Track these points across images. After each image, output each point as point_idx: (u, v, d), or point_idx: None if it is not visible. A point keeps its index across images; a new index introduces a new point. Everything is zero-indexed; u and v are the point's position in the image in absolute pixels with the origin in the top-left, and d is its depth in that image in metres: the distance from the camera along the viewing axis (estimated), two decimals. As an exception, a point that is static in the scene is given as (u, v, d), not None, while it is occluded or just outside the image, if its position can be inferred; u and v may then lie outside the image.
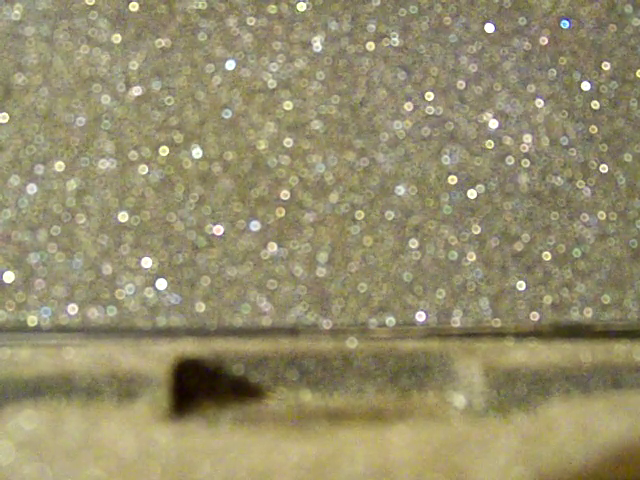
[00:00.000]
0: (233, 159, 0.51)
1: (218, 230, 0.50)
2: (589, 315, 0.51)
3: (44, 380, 0.43)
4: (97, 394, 0.43)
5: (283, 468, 0.37)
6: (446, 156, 0.52)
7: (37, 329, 0.49)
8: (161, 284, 0.50)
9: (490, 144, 0.52)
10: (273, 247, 0.50)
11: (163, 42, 0.52)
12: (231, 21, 0.52)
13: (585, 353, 0.46)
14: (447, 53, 0.53)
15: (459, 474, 0.37)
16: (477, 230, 0.51)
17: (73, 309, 0.49)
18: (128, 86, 0.51)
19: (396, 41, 0.53)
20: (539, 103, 0.53)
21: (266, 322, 0.50)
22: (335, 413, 0.45)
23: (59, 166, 0.50)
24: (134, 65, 0.52)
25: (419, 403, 0.46)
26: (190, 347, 0.46)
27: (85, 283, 0.49)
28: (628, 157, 0.53)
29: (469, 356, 0.46)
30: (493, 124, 0.53)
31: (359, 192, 0.51)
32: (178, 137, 0.51)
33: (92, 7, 0.52)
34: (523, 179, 0.52)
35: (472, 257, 0.51)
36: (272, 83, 0.52)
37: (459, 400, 0.46)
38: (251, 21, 0.52)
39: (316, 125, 0.52)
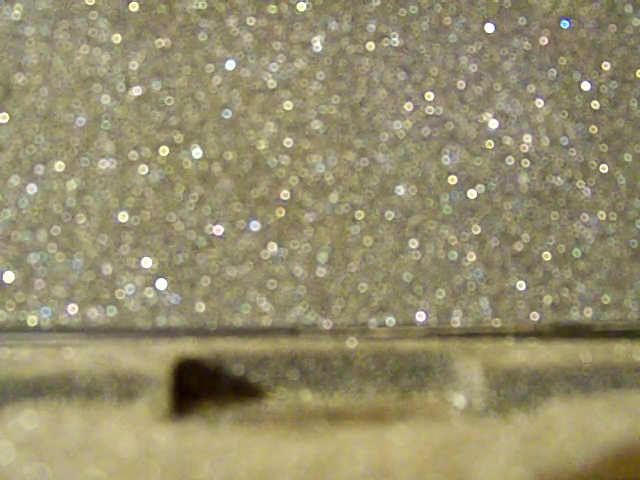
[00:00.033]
0: (233, 159, 0.51)
1: (218, 230, 0.50)
2: (589, 315, 0.51)
3: (44, 380, 0.43)
4: (97, 394, 0.43)
5: (283, 468, 0.37)
6: (446, 156, 0.52)
7: (37, 329, 0.49)
8: (161, 284, 0.50)
9: (490, 144, 0.52)
10: (273, 247, 0.50)
11: (163, 42, 0.52)
12: (231, 21, 0.52)
13: (585, 353, 0.46)
14: (447, 53, 0.53)
15: (459, 474, 0.37)
16: (477, 230, 0.51)
17: (73, 309, 0.49)
18: (128, 86, 0.51)
19: (396, 41, 0.53)
20: (539, 103, 0.53)
21: (266, 322, 0.50)
22: (335, 413, 0.45)
23: (59, 166, 0.50)
24: (134, 65, 0.52)
25: (419, 403, 0.46)
26: (190, 347, 0.46)
27: (85, 283, 0.49)
28: (628, 157, 0.53)
29: (469, 356, 0.46)
30: (493, 124, 0.53)
31: (359, 192, 0.51)
32: (178, 137, 0.51)
33: (92, 7, 0.52)
34: (523, 179, 0.52)
35: (472, 257, 0.51)
36: (272, 83, 0.52)
37: (459, 400, 0.46)
38: (251, 21, 0.52)
39: (316, 125, 0.52)
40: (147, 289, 0.49)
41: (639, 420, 0.40)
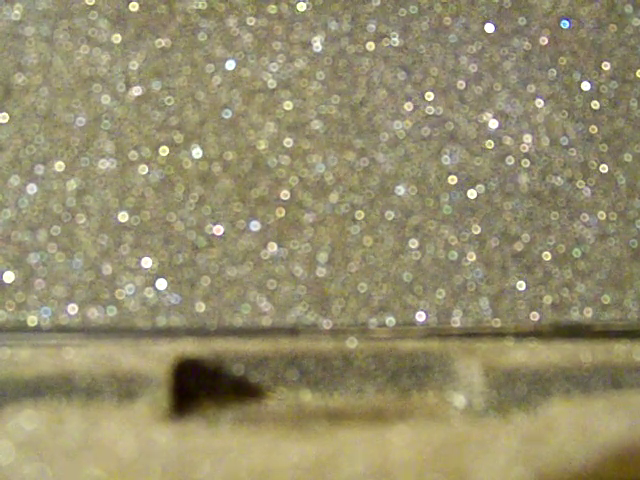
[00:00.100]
0: (233, 159, 0.51)
1: (218, 230, 0.50)
2: (589, 315, 0.51)
3: (44, 380, 0.43)
4: (97, 394, 0.43)
5: (283, 468, 0.37)
6: (446, 156, 0.52)
7: (37, 329, 0.49)
8: (161, 284, 0.50)
9: (490, 144, 0.52)
10: (273, 247, 0.50)
11: (163, 42, 0.52)
12: (231, 21, 0.52)
13: (585, 353, 0.46)
14: (447, 53, 0.53)
15: (459, 474, 0.37)
16: (477, 230, 0.51)
17: (73, 309, 0.49)
18: (128, 86, 0.51)
19: (396, 41, 0.53)
20: (539, 103, 0.53)
21: (266, 322, 0.50)
22: (335, 413, 0.45)
23: (59, 166, 0.50)
24: (134, 65, 0.52)
25: (419, 403, 0.46)
26: (190, 347, 0.46)
27: (85, 283, 0.49)
28: (628, 157, 0.53)
29: (469, 356, 0.46)
30: (493, 124, 0.53)
31: (359, 192, 0.51)
32: (178, 137, 0.51)
33: (92, 7, 0.52)
34: (523, 179, 0.52)
35: (472, 257, 0.51)
36: (272, 83, 0.52)
37: (459, 400, 0.46)
38: (251, 21, 0.52)
39: (316, 125, 0.52)
40: (147, 289, 0.49)
41: (639, 420, 0.40)
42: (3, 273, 0.49)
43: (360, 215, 0.51)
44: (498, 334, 0.49)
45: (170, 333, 0.49)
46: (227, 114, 0.52)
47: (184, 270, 0.50)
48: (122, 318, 0.49)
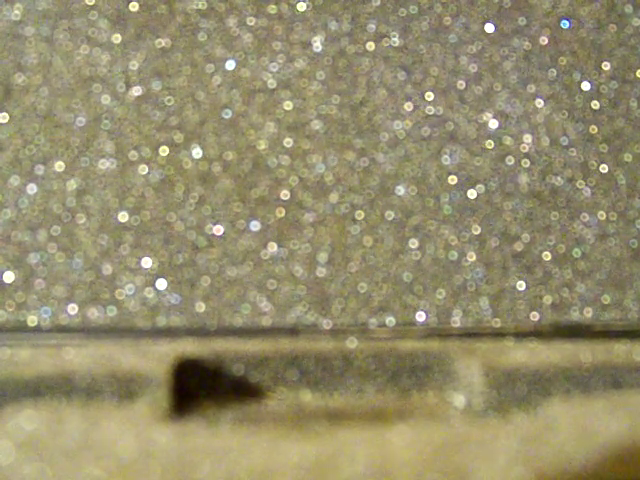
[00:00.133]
0: (233, 159, 0.51)
1: (218, 230, 0.50)
2: (589, 315, 0.51)
3: (44, 380, 0.43)
4: (97, 394, 0.43)
5: (283, 468, 0.37)
6: (446, 156, 0.52)
7: (37, 329, 0.49)
8: (161, 284, 0.50)
9: (490, 144, 0.52)
10: (273, 247, 0.50)
11: (163, 42, 0.52)
12: (231, 21, 0.52)
13: (585, 353, 0.46)
14: (447, 53, 0.53)
15: (459, 474, 0.37)
16: (477, 230, 0.51)
17: (73, 309, 0.49)
18: (128, 86, 0.51)
19: (396, 41, 0.53)
20: (539, 103, 0.53)
21: (266, 322, 0.50)
22: (335, 413, 0.45)
23: (59, 166, 0.50)
24: (134, 65, 0.52)
25: (419, 403, 0.46)
26: (190, 347, 0.46)
27: (85, 283, 0.49)
28: (628, 157, 0.53)
29: (469, 356, 0.46)
30: (493, 124, 0.53)
31: (359, 192, 0.51)
32: (178, 137, 0.51)
33: (92, 7, 0.52)
34: (523, 179, 0.52)
35: (472, 257, 0.51)
36: (272, 83, 0.52)
37: (459, 400, 0.46)
38: (251, 21, 0.52)
39: (316, 125, 0.52)
40: (147, 289, 0.49)
41: (639, 420, 0.40)
42: (3, 273, 0.49)
43: (360, 215, 0.51)
44: (498, 334, 0.49)
45: (170, 333, 0.49)
46: (227, 114, 0.52)
47: (184, 270, 0.50)
48: (122, 318, 0.49)
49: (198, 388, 0.46)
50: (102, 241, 0.50)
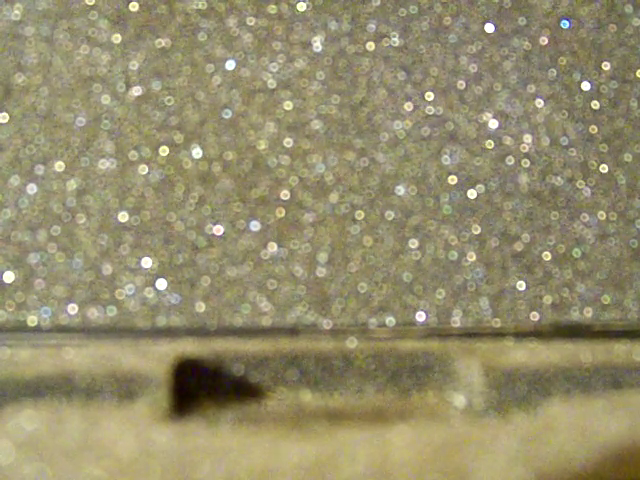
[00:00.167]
0: (233, 159, 0.51)
1: (218, 230, 0.50)
2: (589, 315, 0.51)
3: (44, 380, 0.43)
4: (97, 394, 0.43)
5: (283, 468, 0.37)
6: (446, 156, 0.52)
7: (37, 329, 0.49)
8: (161, 284, 0.50)
9: (490, 144, 0.52)
10: (273, 247, 0.50)
11: (163, 42, 0.52)
12: (231, 21, 0.52)
13: (585, 353, 0.46)
14: (447, 53, 0.53)
15: (459, 474, 0.37)
16: (477, 230, 0.51)
17: (73, 309, 0.49)
18: (128, 86, 0.51)
19: (396, 41, 0.53)
20: (539, 103, 0.53)
21: (266, 322, 0.50)
22: (335, 413, 0.45)
23: (59, 166, 0.50)
24: (134, 65, 0.52)
25: (419, 403, 0.46)
26: (190, 347, 0.46)
27: (85, 283, 0.49)
28: (628, 157, 0.53)
29: (469, 356, 0.46)
30: (493, 124, 0.53)
31: (359, 192, 0.51)
32: (178, 137, 0.51)
33: (92, 7, 0.52)
34: (523, 179, 0.52)
35: (472, 257, 0.51)
36: (272, 83, 0.52)
37: (459, 400, 0.46)
38: (251, 21, 0.52)
39: (316, 125, 0.52)
40: (147, 289, 0.49)
41: (639, 420, 0.40)
42: (3, 273, 0.49)
43: (360, 215, 0.51)
44: (498, 334, 0.49)
45: (170, 333, 0.49)
46: (227, 114, 0.52)
47: (184, 270, 0.50)
48: (122, 318, 0.49)
49: (198, 388, 0.46)
50: (102, 241, 0.50)
